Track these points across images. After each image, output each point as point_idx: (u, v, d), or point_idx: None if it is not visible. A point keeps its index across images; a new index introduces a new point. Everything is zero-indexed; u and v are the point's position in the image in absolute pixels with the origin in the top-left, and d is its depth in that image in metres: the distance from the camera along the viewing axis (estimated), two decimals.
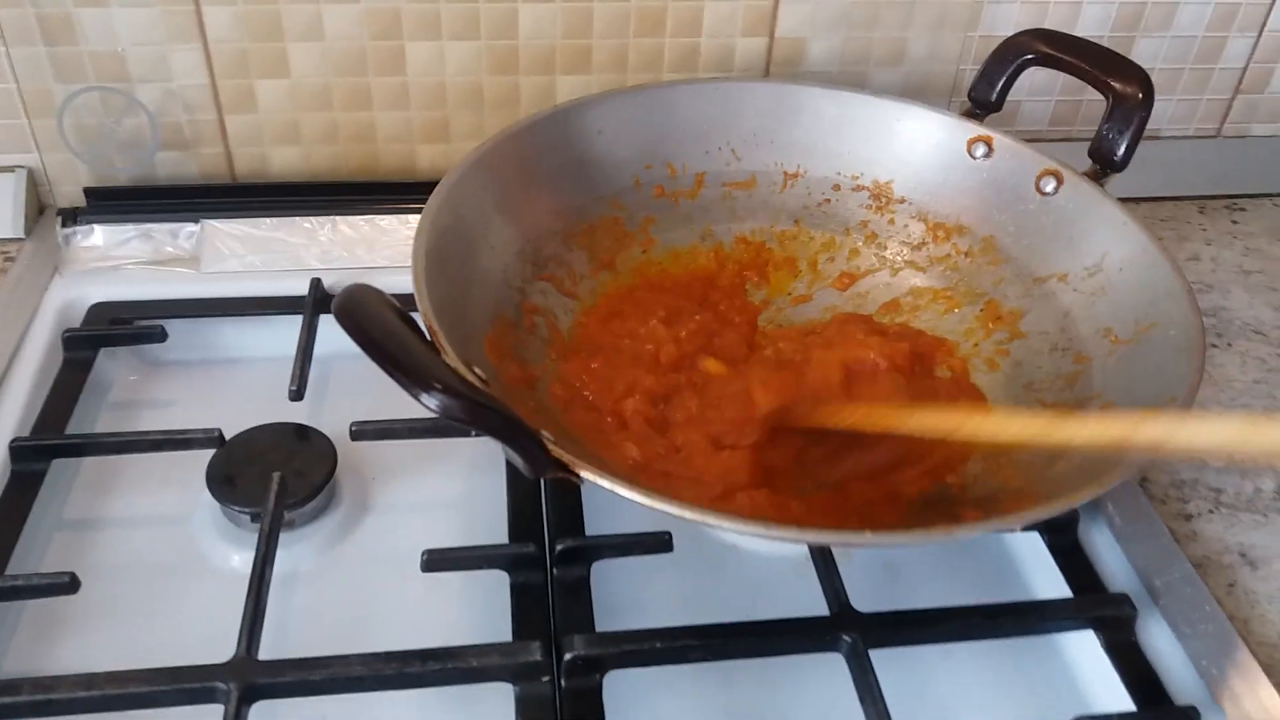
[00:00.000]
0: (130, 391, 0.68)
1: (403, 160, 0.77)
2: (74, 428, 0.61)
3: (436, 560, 0.52)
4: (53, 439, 0.58)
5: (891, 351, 0.58)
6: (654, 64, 0.76)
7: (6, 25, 0.68)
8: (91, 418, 0.65)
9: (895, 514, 0.54)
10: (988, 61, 0.68)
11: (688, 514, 0.42)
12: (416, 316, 0.47)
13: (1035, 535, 0.58)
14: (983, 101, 0.68)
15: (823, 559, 0.54)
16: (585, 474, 0.43)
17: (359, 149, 0.76)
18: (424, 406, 0.40)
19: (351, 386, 0.67)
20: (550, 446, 0.42)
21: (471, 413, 0.40)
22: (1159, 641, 0.53)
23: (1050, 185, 0.64)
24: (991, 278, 0.66)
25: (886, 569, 0.59)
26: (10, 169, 0.73)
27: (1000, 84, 0.67)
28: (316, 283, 0.69)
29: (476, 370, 0.48)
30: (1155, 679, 0.51)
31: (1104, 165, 0.63)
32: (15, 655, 0.51)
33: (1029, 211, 0.65)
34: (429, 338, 0.47)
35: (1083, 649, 0.54)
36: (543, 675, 0.48)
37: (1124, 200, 0.61)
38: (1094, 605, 0.53)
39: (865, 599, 0.53)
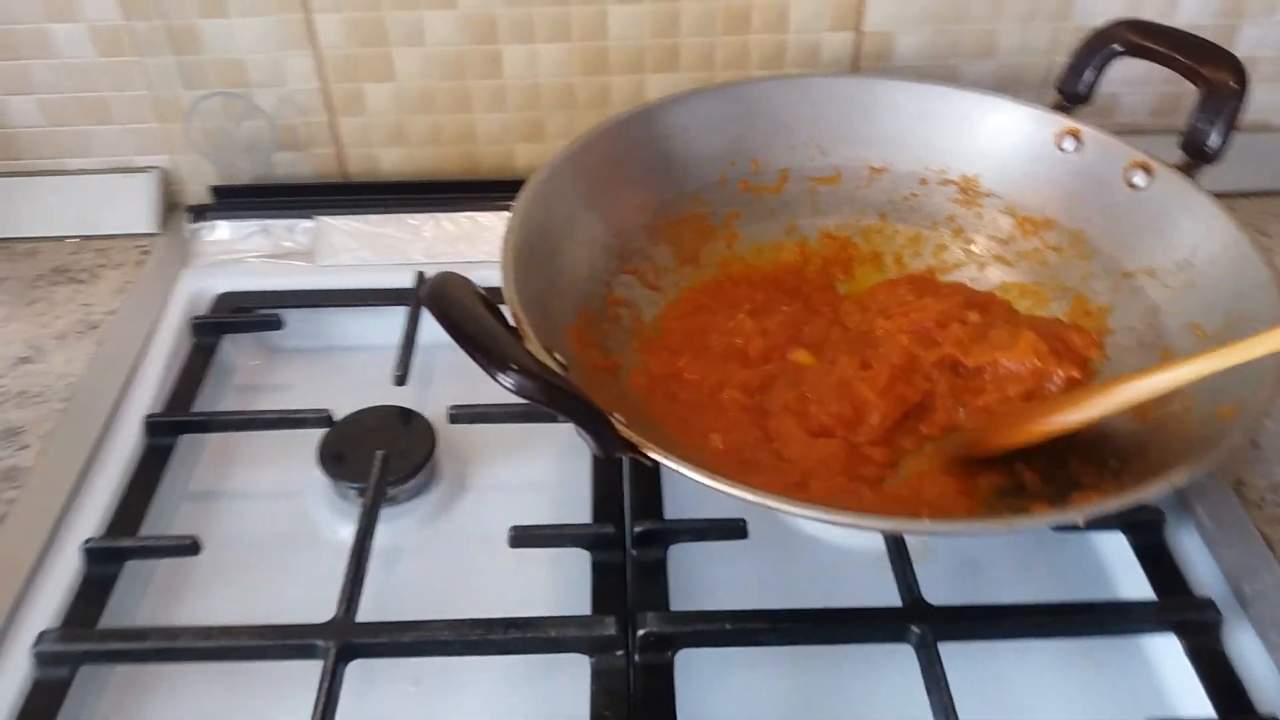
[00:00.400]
0: (252, 375, 0.73)
1: (501, 159, 0.81)
2: (199, 406, 0.67)
3: (522, 537, 0.55)
4: (181, 416, 0.64)
5: (945, 310, 0.59)
6: (741, 61, 0.78)
7: (140, 37, 0.74)
8: (216, 398, 0.70)
9: (967, 507, 0.54)
10: (1075, 53, 0.68)
11: (748, 496, 0.44)
12: (505, 308, 0.50)
13: (1122, 537, 0.58)
14: (1071, 94, 0.68)
15: (896, 550, 0.55)
16: (653, 454, 0.45)
17: (460, 149, 0.80)
18: (501, 386, 0.43)
19: (452, 374, 0.70)
20: (620, 428, 0.45)
21: (544, 393, 0.43)
22: (1245, 649, 0.52)
23: (1140, 178, 0.64)
24: (1079, 272, 0.66)
25: (969, 566, 0.59)
26: (145, 169, 0.80)
27: (1088, 75, 0.67)
28: (421, 276, 0.74)
29: (557, 356, 0.51)
30: (1239, 686, 0.50)
31: (1196, 157, 0.62)
32: (147, 609, 0.56)
33: (1118, 204, 0.65)
34: (514, 325, 0.50)
35: (1166, 654, 0.53)
36: (617, 649, 0.50)
37: (1230, 195, 0.60)
38: (1176, 609, 0.53)
39: (944, 594, 0.54)
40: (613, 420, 0.45)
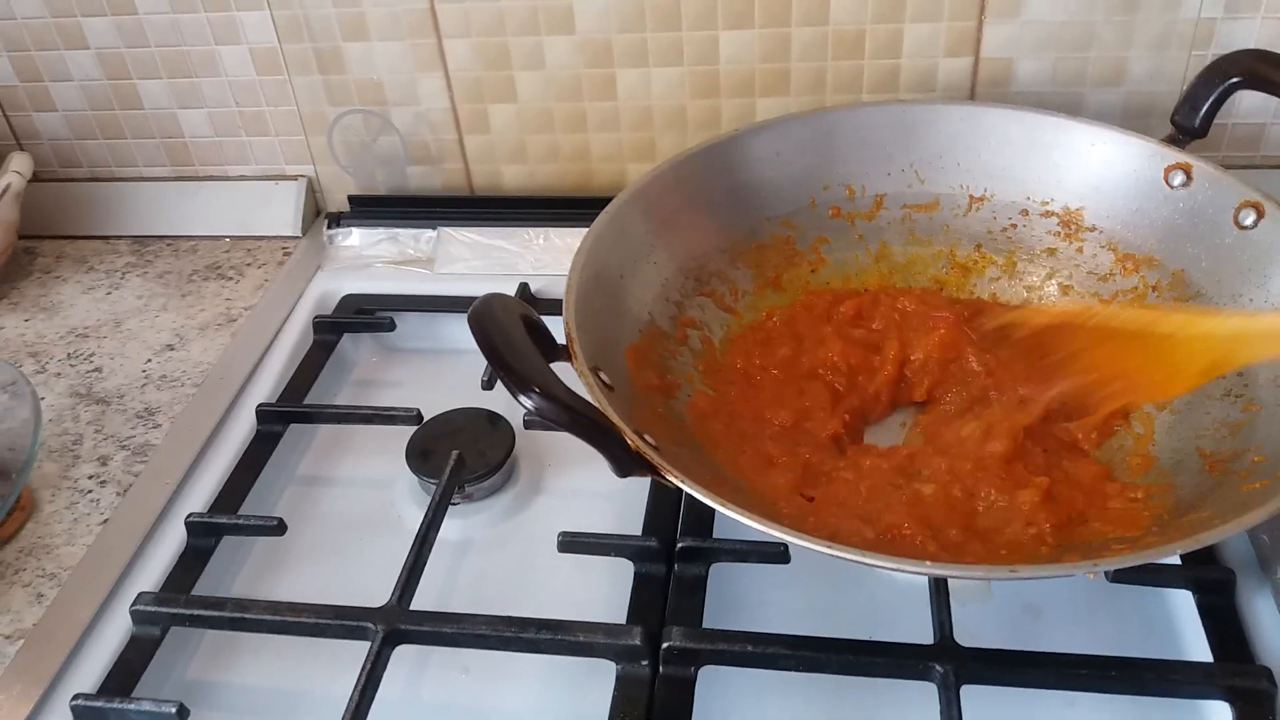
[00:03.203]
0: (368, 371, 0.79)
1: (614, 178, 0.84)
2: (314, 399, 0.73)
3: (570, 543, 0.58)
4: (288, 406, 0.70)
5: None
6: (853, 85, 0.78)
7: (290, 57, 0.81)
8: (333, 391, 0.76)
9: (1027, 557, 0.53)
10: (1194, 83, 0.65)
11: (754, 523, 0.45)
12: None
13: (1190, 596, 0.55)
14: (1186, 126, 0.65)
15: (936, 586, 0.54)
16: (671, 477, 0.47)
17: (576, 167, 0.84)
18: (522, 406, 0.46)
19: None
20: (639, 448, 0.47)
21: (559, 415, 0.45)
22: None
23: (1250, 218, 0.60)
24: None
25: (1028, 610, 0.58)
26: (295, 178, 0.87)
27: (1205, 108, 0.64)
28: (524, 287, 0.78)
29: (603, 376, 0.53)
30: None
31: None
32: (239, 581, 0.62)
33: (1224, 245, 0.61)
34: (564, 343, 0.53)
35: None
36: (642, 660, 0.52)
37: None
38: (1228, 674, 0.50)
39: (993, 636, 0.54)
40: (631, 440, 0.47)
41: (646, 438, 0.49)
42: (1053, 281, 0.68)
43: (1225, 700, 0.50)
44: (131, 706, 0.51)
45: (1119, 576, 0.54)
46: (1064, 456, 0.57)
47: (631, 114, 0.81)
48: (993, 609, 0.58)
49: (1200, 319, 0.49)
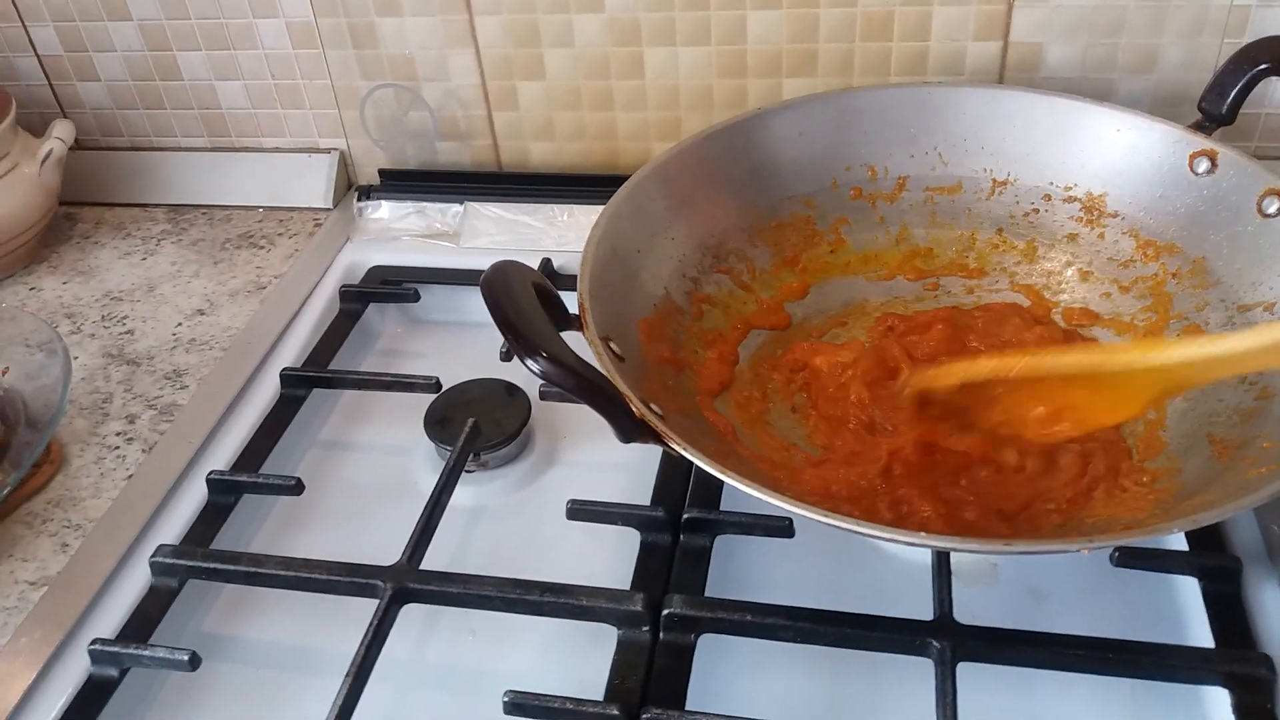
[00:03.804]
0: (393, 341, 0.80)
1: (639, 156, 0.84)
2: (337, 365, 0.74)
3: (578, 511, 0.59)
4: (311, 371, 0.72)
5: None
6: (880, 68, 0.78)
7: (325, 31, 0.82)
8: (358, 359, 0.78)
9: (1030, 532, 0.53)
10: (1221, 70, 0.64)
11: (755, 492, 0.45)
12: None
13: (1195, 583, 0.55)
14: (1213, 113, 0.64)
15: (938, 563, 0.54)
16: (674, 445, 0.48)
17: (603, 145, 0.85)
18: (529, 370, 0.47)
19: None
20: (637, 412, 0.48)
21: (565, 378, 0.46)
22: None
23: (1274, 206, 0.60)
24: (1195, 301, 0.62)
25: (1033, 593, 0.58)
26: (328, 151, 0.89)
27: (1233, 94, 0.63)
28: (546, 262, 0.78)
29: (613, 346, 0.54)
30: None
31: None
32: (258, 537, 0.64)
33: (1246, 233, 0.61)
34: (577, 313, 0.54)
35: (1224, 707, 0.50)
36: (643, 625, 0.53)
37: None
38: (1226, 660, 0.49)
39: (995, 616, 0.54)
40: (636, 408, 0.48)
41: (653, 406, 0.50)
42: (1072, 268, 0.67)
43: (1224, 686, 0.49)
44: (146, 652, 0.53)
45: (1124, 561, 0.54)
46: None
47: (658, 93, 0.81)
48: (997, 591, 0.58)
49: (1148, 353, 0.48)
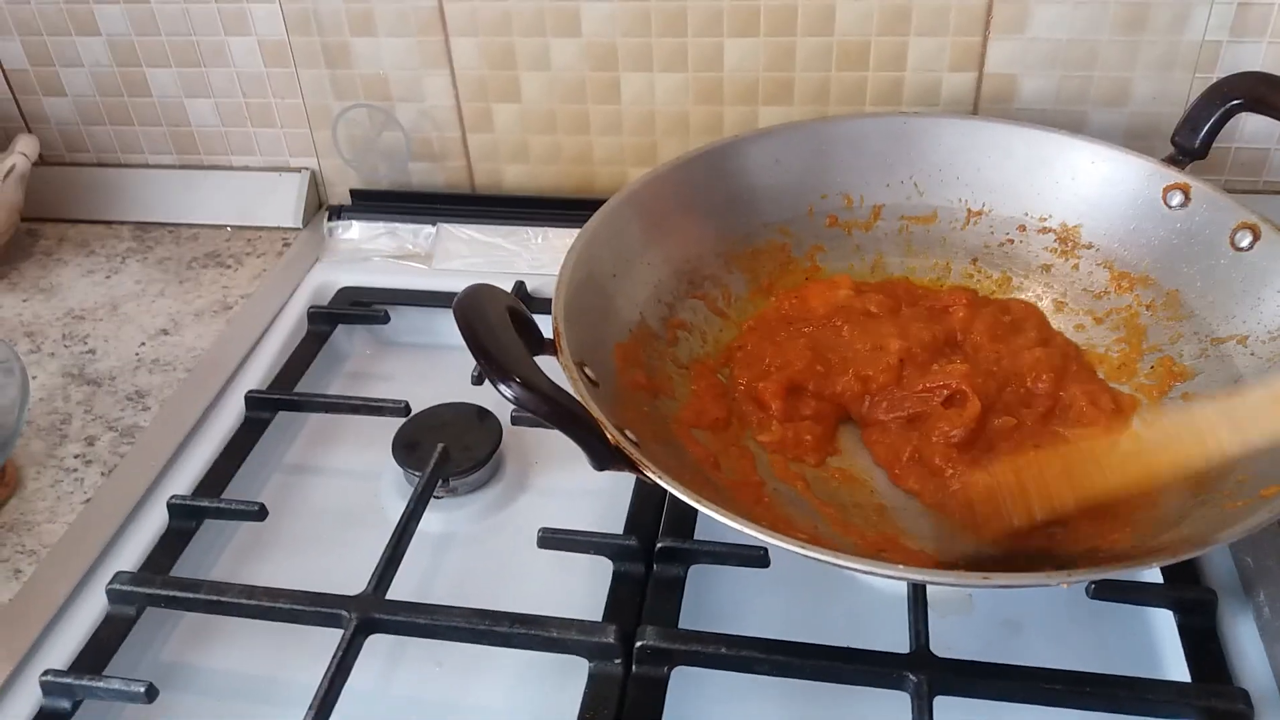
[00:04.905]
0: (362, 364, 0.79)
1: (615, 180, 0.84)
2: (304, 388, 0.73)
3: (549, 539, 0.58)
4: (276, 394, 0.70)
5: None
6: (856, 97, 0.78)
7: (298, 50, 0.81)
8: (325, 381, 0.76)
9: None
10: (1195, 103, 0.64)
11: (729, 521, 0.45)
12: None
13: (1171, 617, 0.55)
14: (1186, 147, 0.64)
15: (914, 595, 0.54)
16: (649, 473, 0.47)
17: (578, 169, 0.84)
18: (502, 395, 0.46)
19: None
20: (618, 442, 0.47)
21: (538, 404, 0.45)
22: None
23: (1246, 239, 0.60)
24: (1169, 333, 0.62)
25: (1009, 625, 0.58)
26: (298, 170, 0.88)
27: (1206, 129, 0.64)
28: (520, 285, 0.78)
29: (588, 371, 0.53)
30: None
31: None
32: (219, 564, 0.62)
33: (1219, 266, 0.61)
34: (552, 337, 0.53)
35: None
36: (615, 658, 0.52)
37: None
38: (1203, 695, 0.49)
39: (970, 648, 0.53)
40: (610, 435, 0.47)
41: (627, 433, 0.49)
42: (1047, 299, 0.67)
43: None
44: (100, 684, 0.51)
45: (1100, 594, 0.54)
46: None
47: (634, 118, 0.81)
48: (973, 623, 0.58)
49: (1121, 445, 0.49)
